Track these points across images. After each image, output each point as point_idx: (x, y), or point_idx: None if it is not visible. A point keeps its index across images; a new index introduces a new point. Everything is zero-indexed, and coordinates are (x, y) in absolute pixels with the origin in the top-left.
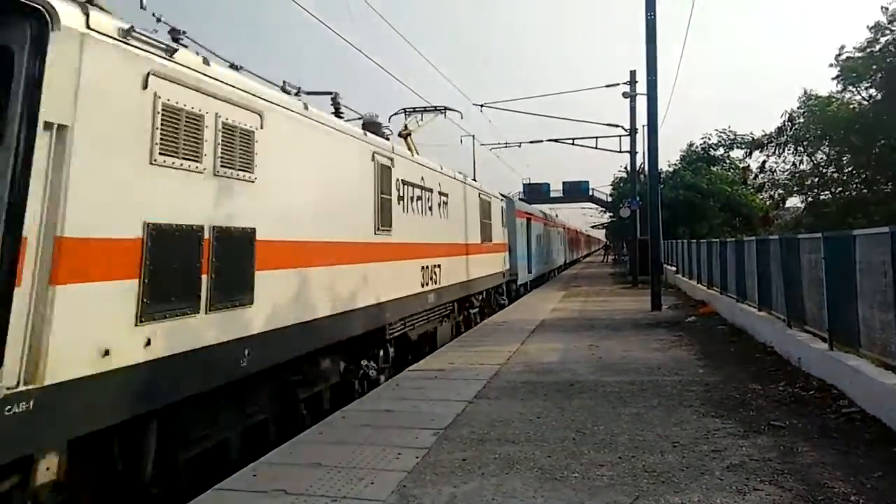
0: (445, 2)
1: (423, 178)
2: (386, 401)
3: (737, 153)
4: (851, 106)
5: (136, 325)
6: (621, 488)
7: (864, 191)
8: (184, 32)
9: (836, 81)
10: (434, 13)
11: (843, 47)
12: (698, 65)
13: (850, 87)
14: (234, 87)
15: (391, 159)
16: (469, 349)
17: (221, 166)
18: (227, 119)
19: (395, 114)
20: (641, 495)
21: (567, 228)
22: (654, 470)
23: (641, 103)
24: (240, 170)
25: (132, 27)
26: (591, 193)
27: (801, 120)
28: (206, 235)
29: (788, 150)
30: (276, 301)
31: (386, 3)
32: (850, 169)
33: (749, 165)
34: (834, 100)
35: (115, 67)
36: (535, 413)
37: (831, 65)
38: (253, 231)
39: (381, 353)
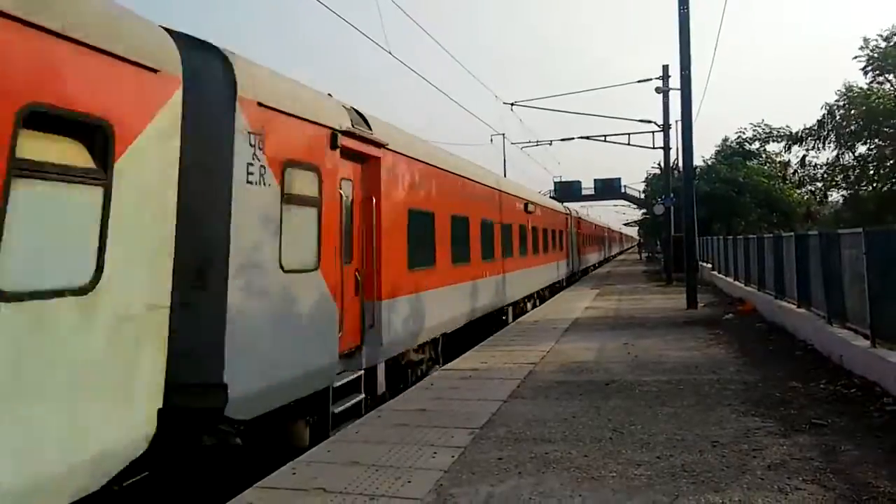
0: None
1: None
2: (421, 400)
3: (773, 147)
4: (888, 97)
5: None
6: (660, 488)
7: None
8: None
9: (864, 73)
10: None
11: (866, 39)
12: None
13: (880, 78)
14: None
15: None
16: (502, 348)
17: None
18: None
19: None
20: (681, 495)
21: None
22: (693, 469)
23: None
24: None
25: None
26: (623, 191)
27: (842, 112)
28: None
29: (829, 144)
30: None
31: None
32: (891, 162)
33: (789, 161)
34: (874, 92)
35: None
36: (571, 412)
37: (855, 57)
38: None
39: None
